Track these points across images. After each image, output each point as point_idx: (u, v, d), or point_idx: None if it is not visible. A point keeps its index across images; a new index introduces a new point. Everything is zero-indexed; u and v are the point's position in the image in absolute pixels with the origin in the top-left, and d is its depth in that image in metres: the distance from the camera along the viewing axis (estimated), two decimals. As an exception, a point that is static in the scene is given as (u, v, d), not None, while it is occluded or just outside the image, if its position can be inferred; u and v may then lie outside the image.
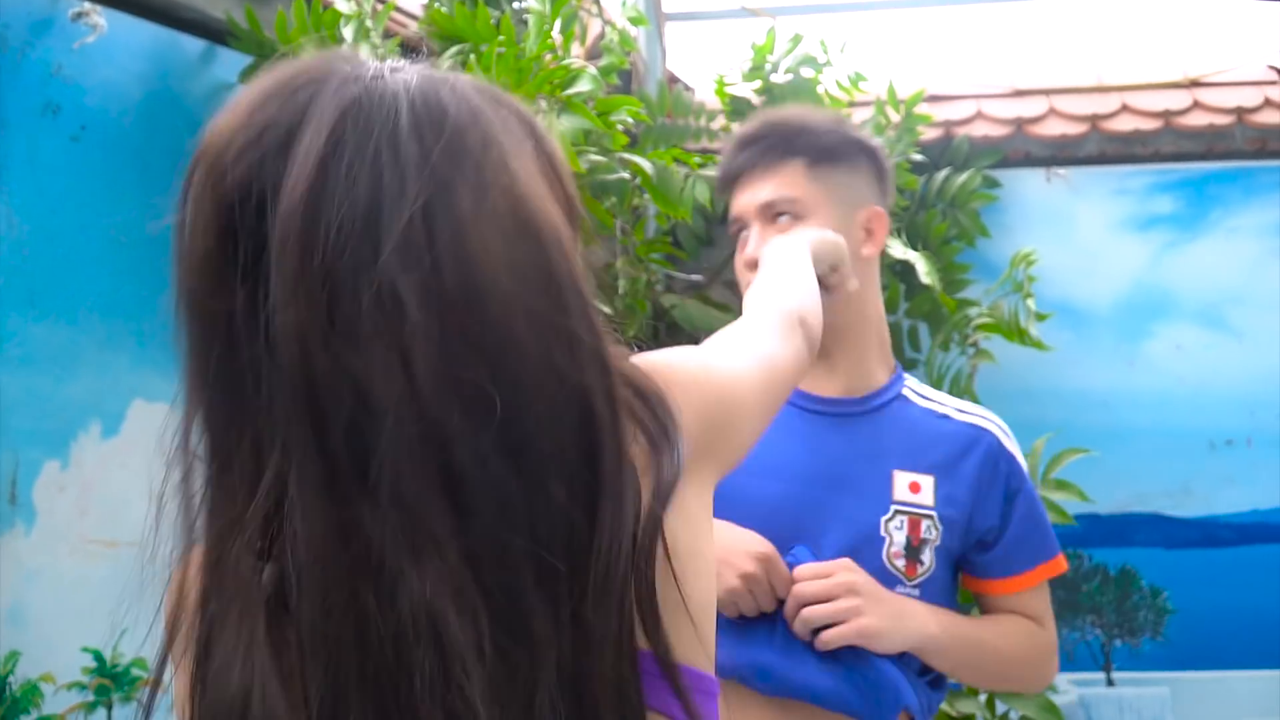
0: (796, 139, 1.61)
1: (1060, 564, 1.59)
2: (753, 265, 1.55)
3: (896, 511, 1.51)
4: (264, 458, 0.67)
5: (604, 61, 2.25)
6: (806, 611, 1.39)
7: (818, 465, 1.53)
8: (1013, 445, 1.59)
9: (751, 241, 1.58)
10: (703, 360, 0.89)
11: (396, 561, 0.65)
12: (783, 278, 1.20)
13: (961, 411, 1.61)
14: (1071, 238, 2.96)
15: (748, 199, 1.61)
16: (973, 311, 2.70)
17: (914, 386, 1.64)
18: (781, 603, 1.42)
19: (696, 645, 0.79)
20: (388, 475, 0.65)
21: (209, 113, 2.00)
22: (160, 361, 1.84)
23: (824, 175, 1.60)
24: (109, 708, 1.76)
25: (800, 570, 1.42)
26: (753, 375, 0.95)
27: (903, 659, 1.44)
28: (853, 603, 1.39)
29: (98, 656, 1.75)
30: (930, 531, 1.50)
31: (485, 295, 0.68)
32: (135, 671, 1.79)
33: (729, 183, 1.66)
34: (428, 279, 0.67)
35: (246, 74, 1.92)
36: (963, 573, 1.59)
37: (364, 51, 1.77)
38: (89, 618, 1.74)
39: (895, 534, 1.49)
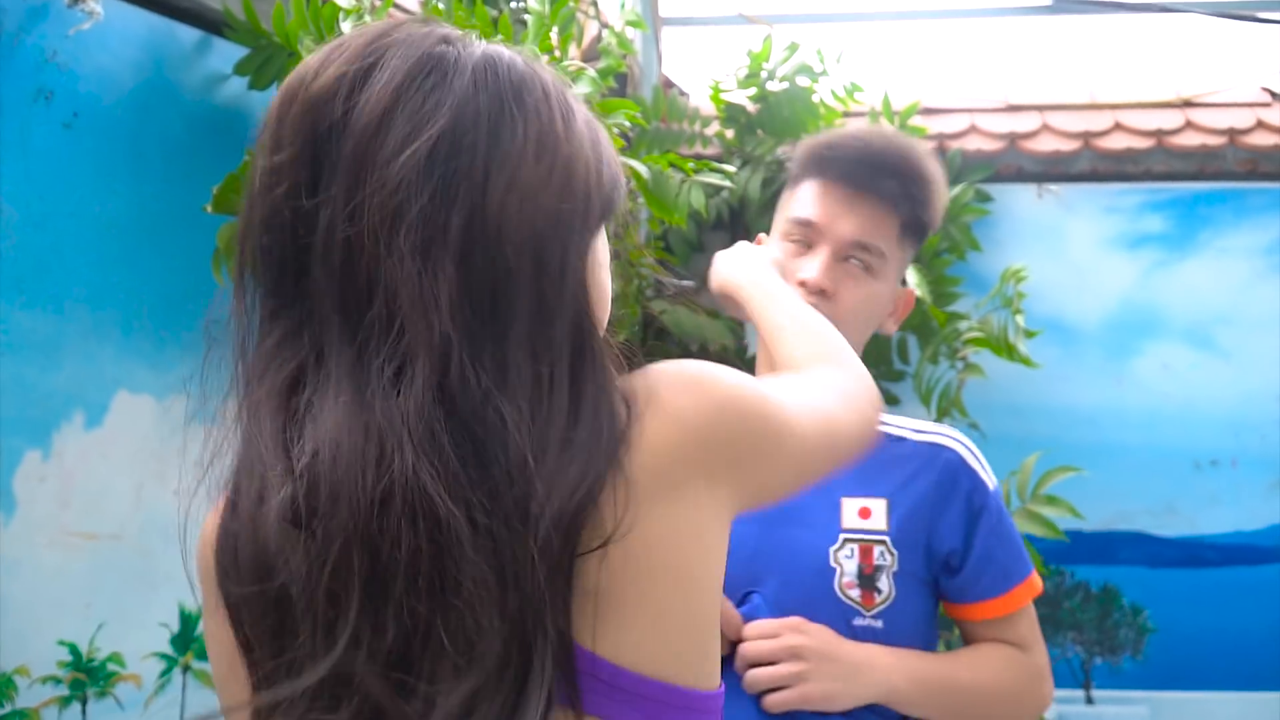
0: (915, 196, 1.55)
1: (1034, 584, 1.53)
2: (813, 289, 1.49)
3: (845, 540, 1.45)
4: (303, 340, 0.77)
5: (602, 64, 2.24)
6: (751, 674, 1.35)
7: None
8: (976, 462, 1.53)
9: (817, 265, 1.50)
10: (736, 379, 0.87)
11: (396, 444, 0.71)
12: (843, 346, 1.17)
13: (919, 431, 1.55)
14: (1062, 254, 2.96)
15: (847, 223, 1.52)
16: (962, 325, 2.70)
17: None
18: (734, 648, 1.38)
19: (668, 658, 0.78)
20: (400, 371, 0.73)
21: (202, 104, 1.98)
22: (146, 353, 1.82)
23: (905, 245, 1.57)
24: (83, 702, 1.74)
25: (749, 628, 1.38)
26: (801, 420, 0.92)
27: (875, 710, 1.40)
28: (797, 667, 1.35)
29: (74, 650, 1.73)
30: (884, 557, 1.44)
31: (510, 222, 0.76)
32: (111, 666, 1.77)
33: (828, 167, 1.55)
34: (473, 202, 0.75)
35: (242, 66, 1.90)
36: (942, 600, 1.53)
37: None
38: (66, 610, 1.72)
39: (845, 563, 1.44)
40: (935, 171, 1.61)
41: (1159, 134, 2.94)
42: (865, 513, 1.46)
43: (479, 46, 0.81)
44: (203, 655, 1.88)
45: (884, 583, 1.44)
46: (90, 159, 1.75)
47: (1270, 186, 2.89)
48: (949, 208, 2.78)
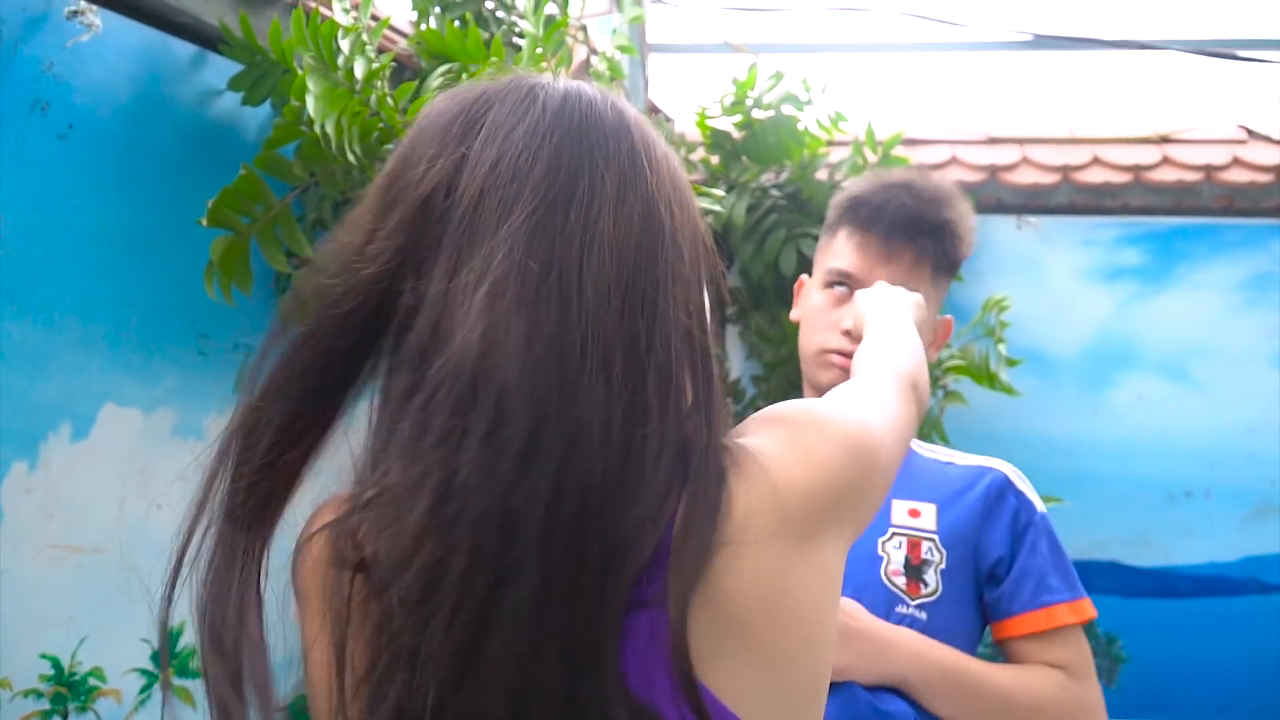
0: (948, 247, 1.64)
1: (1082, 608, 1.52)
2: (854, 335, 1.54)
3: (894, 533, 1.49)
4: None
5: (592, 88, 2.25)
6: None
7: None
8: (1024, 485, 1.57)
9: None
10: (845, 414, 0.90)
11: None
12: (897, 337, 1.23)
13: (966, 457, 1.62)
14: (1040, 285, 3.00)
15: (884, 274, 1.61)
16: (943, 353, 2.72)
17: (916, 444, 1.66)
18: None
19: (783, 711, 0.78)
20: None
21: (196, 118, 1.97)
22: (134, 366, 1.81)
23: (939, 283, 1.66)
24: (64, 717, 1.72)
25: None
26: (889, 439, 0.96)
27: (899, 695, 1.40)
28: None
29: (55, 664, 1.71)
30: (932, 553, 1.48)
31: (597, 266, 0.77)
32: (92, 681, 1.76)
33: (867, 221, 1.64)
34: (563, 253, 0.76)
35: (236, 82, 1.90)
36: (988, 622, 1.54)
37: (359, 65, 1.76)
38: (48, 623, 1.70)
39: (893, 553, 1.47)
40: (967, 216, 1.69)
41: (1137, 169, 2.99)
42: (914, 513, 1.51)
43: (565, 97, 0.84)
44: (184, 672, 1.87)
45: (931, 576, 1.47)
46: (84, 171, 1.74)
47: (1245, 222, 2.94)
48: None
